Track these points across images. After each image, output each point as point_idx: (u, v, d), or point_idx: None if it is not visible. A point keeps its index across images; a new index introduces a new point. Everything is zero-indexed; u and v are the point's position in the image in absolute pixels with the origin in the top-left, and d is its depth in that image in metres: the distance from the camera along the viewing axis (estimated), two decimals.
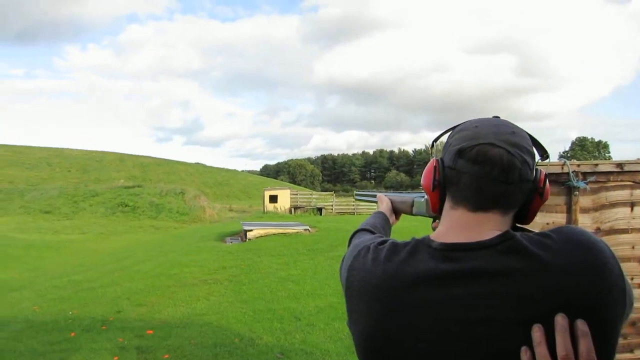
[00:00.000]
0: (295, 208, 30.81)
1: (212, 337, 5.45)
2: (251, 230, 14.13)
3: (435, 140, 1.08)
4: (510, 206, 0.86)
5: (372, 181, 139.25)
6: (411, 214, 1.39)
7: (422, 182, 0.97)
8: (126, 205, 30.38)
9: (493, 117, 0.94)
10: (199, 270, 9.60)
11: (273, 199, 31.68)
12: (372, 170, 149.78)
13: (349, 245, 1.12)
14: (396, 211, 1.46)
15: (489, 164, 0.83)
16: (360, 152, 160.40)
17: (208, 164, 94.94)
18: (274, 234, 14.05)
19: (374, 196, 1.60)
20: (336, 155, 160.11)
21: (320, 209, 29.92)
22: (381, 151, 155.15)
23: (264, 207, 31.72)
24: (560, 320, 0.72)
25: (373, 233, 1.15)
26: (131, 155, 73.33)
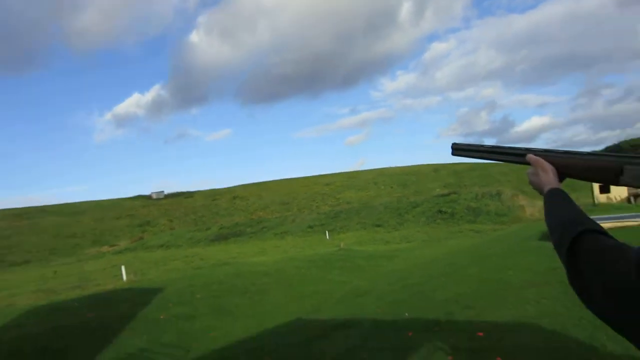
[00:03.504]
0: (635, 196, 26.22)
1: (547, 341, 5.11)
2: None
3: None
4: None
5: None
6: (609, 183, 1.00)
7: None
8: (445, 212, 31.61)
9: None
10: (525, 272, 9.15)
11: (604, 188, 27.85)
12: None
13: (586, 259, 0.83)
14: (563, 176, 1.05)
15: None
16: None
17: None
18: (609, 229, 12.30)
19: (519, 156, 1.12)
20: None
21: None
22: None
23: (594, 199, 28.14)
24: None
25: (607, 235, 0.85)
26: (444, 164, 76.16)
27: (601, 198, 27.66)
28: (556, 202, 0.98)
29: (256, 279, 14.40)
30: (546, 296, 7.16)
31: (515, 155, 1.16)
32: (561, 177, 1.06)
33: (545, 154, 1.08)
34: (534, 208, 30.29)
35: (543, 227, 16.93)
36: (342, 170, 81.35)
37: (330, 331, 7.37)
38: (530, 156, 1.09)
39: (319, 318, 8.62)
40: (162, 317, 10.37)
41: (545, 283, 8.00)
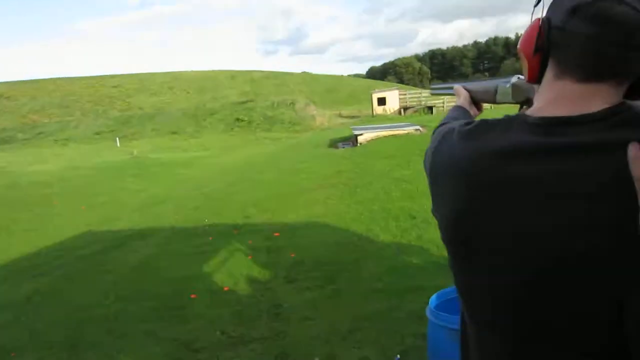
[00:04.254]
0: (405, 109, 30.17)
1: (333, 236, 5.79)
2: (361, 134, 14.21)
3: None
4: (626, 77, 0.74)
5: (486, 73, 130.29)
6: (494, 102, 1.28)
7: (519, 46, 0.84)
8: (242, 120, 32.04)
9: None
10: (315, 176, 10.02)
11: (381, 101, 31.27)
12: (486, 62, 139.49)
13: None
14: (477, 102, 1.34)
15: (611, 23, 0.70)
16: (471, 42, 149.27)
17: (314, 72, 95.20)
18: (384, 136, 14.02)
19: (451, 88, 1.47)
20: (445, 49, 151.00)
21: (430, 108, 28.99)
22: (495, 39, 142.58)
23: (373, 111, 31.53)
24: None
25: None
26: (241, 71, 75.74)
27: (378, 110, 31.08)
28: (450, 112, 1.26)
29: (35, 190, 12.88)
30: (332, 197, 8.01)
31: (450, 89, 1.45)
32: (474, 101, 1.34)
33: (463, 84, 1.38)
34: (323, 118, 32.67)
35: (331, 135, 18.54)
36: (133, 72, 74.76)
37: (127, 241, 7.13)
38: (454, 87, 1.38)
39: (113, 229, 8.22)
40: None
41: (331, 185, 8.91)
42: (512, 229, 0.76)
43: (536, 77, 0.83)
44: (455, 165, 0.83)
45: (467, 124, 0.86)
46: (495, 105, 1.45)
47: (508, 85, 1.19)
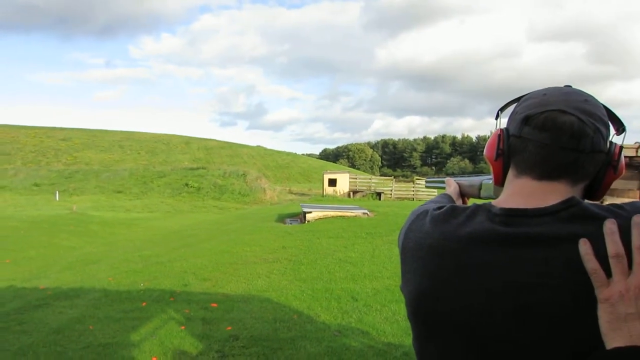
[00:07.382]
0: (354, 192, 30.82)
1: (272, 312, 5.65)
2: (310, 212, 14.28)
3: (501, 110, 0.99)
4: (580, 177, 0.83)
5: (433, 167, 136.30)
6: (479, 197, 1.36)
7: (485, 152, 0.94)
8: (191, 186, 31.64)
9: (565, 86, 0.88)
10: (260, 249, 9.89)
11: (332, 182, 31.86)
12: (433, 156, 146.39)
13: None
14: (464, 195, 1.42)
15: (558, 130, 0.80)
16: (421, 137, 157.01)
17: (269, 147, 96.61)
18: (332, 217, 14.14)
19: (443, 181, 1.58)
20: (397, 140, 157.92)
21: (379, 194, 29.79)
22: (443, 137, 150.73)
23: (323, 190, 31.98)
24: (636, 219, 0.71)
25: None
26: (196, 138, 75.82)
27: (329, 190, 31.62)
28: (436, 197, 1.30)
29: None
30: (275, 271, 7.89)
31: (442, 182, 1.54)
32: (462, 194, 1.41)
33: (454, 177, 1.47)
34: (273, 192, 32.80)
35: (279, 210, 18.54)
36: (84, 127, 73.24)
37: (51, 300, 6.66)
38: (446, 179, 1.46)
39: (39, 286, 7.69)
40: None
41: (275, 260, 8.80)
42: (468, 311, 0.80)
43: (500, 179, 0.92)
44: (423, 245, 0.89)
45: (439, 208, 0.92)
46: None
47: (491, 182, 1.27)
